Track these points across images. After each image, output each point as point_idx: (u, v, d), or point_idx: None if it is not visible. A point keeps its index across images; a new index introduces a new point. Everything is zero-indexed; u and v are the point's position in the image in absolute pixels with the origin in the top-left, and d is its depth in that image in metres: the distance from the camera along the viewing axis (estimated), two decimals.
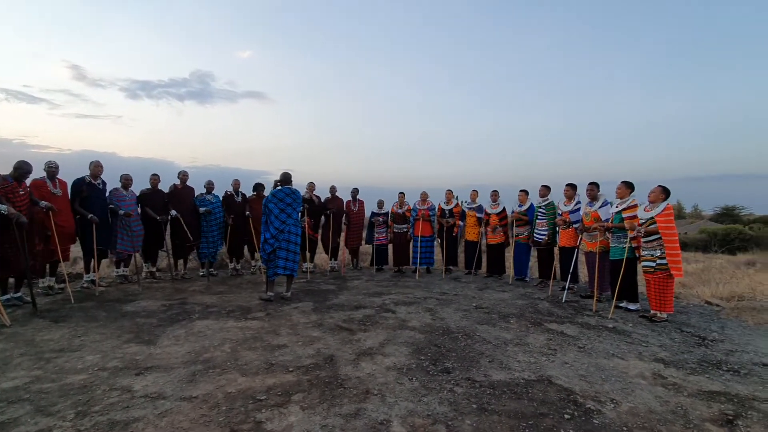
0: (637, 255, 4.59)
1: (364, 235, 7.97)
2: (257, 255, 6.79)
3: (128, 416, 2.25)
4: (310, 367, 2.93)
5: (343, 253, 7.83)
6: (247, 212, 6.62)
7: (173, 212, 6.20)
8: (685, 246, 19.75)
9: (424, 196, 7.48)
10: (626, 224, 4.61)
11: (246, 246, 7.07)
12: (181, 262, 6.72)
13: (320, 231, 7.53)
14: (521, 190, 6.69)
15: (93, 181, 5.51)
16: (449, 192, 7.47)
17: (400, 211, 7.48)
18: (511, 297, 5.44)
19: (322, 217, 7.43)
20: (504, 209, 6.91)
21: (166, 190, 6.47)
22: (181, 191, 6.55)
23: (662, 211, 4.29)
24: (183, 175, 6.64)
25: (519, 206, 6.67)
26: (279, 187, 4.95)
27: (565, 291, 5.43)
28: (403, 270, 7.60)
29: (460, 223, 7.34)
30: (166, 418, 2.23)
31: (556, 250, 6.01)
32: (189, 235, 6.24)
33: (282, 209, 4.87)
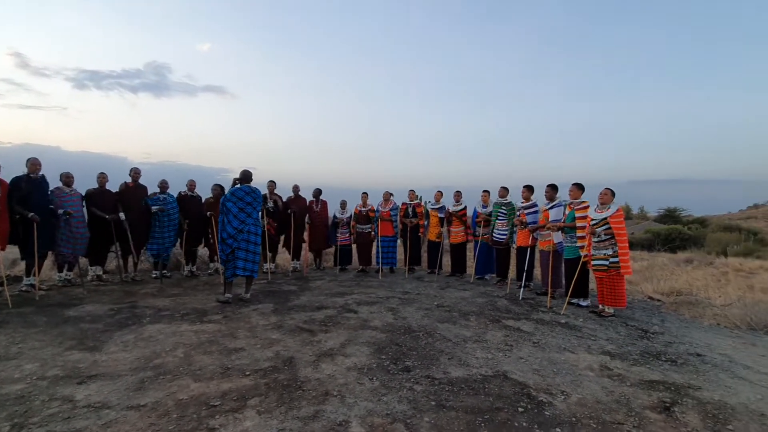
0: (582, 254, 4.82)
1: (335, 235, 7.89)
2: (216, 257, 6.55)
3: (69, 428, 2.11)
4: (268, 370, 2.86)
5: (306, 253, 7.72)
6: (209, 212, 6.38)
7: (122, 215, 5.86)
8: (632, 245, 21.00)
9: (386, 197, 7.51)
10: (587, 228, 4.82)
11: (207, 248, 6.81)
12: (131, 263, 6.36)
13: (284, 231, 7.39)
14: (484, 191, 6.87)
15: (33, 176, 5.10)
16: (412, 192, 7.54)
17: (363, 211, 7.47)
18: (472, 295, 5.58)
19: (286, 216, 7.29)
20: (465, 207, 7.06)
21: (116, 189, 6.11)
22: (133, 190, 6.20)
23: (615, 212, 4.55)
24: (135, 173, 6.29)
25: (483, 207, 6.84)
26: (238, 186, 4.81)
27: (522, 289, 5.63)
28: (366, 270, 7.60)
29: (425, 222, 7.44)
30: (110, 429, 2.10)
31: (513, 249, 6.22)
32: (130, 239, 5.92)
33: (241, 208, 4.72)
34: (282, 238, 7.40)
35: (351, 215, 7.64)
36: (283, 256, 8.44)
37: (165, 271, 6.55)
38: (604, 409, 2.43)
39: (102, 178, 5.96)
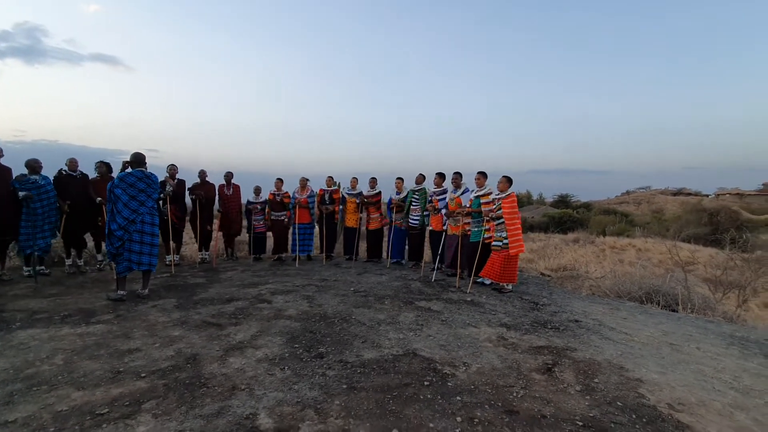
0: (488, 236, 5.27)
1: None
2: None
3: None
4: (167, 369, 2.67)
5: (215, 242, 7.27)
6: (99, 199, 5.64)
7: None
8: (531, 228, 23.45)
9: (303, 183, 7.36)
10: (483, 212, 5.24)
11: (94, 236, 6.04)
12: None
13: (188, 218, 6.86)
14: (397, 178, 7.07)
15: None
16: (330, 178, 7.49)
17: (277, 198, 7.23)
18: (388, 279, 5.76)
19: (190, 203, 6.76)
20: (379, 193, 7.22)
21: None
22: None
23: (506, 197, 5.00)
24: None
25: (396, 194, 7.04)
26: (129, 170, 4.33)
27: (434, 271, 5.96)
28: (282, 258, 7.43)
29: (339, 208, 7.45)
30: None
31: (426, 233, 6.54)
32: None
33: (133, 196, 4.26)
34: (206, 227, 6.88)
35: (265, 201, 7.37)
36: (189, 246, 7.87)
37: (42, 268, 5.67)
38: (498, 375, 2.71)
39: None
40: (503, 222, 4.97)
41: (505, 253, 4.97)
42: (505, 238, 4.97)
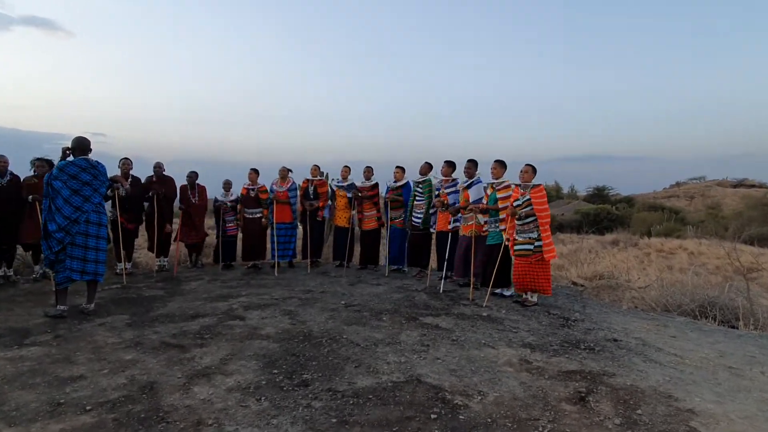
0: (507, 238, 5.28)
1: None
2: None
3: None
4: (118, 401, 2.68)
5: (177, 247, 7.28)
6: (31, 196, 5.62)
7: None
8: (561, 227, 23.56)
9: (283, 173, 7.36)
10: (508, 209, 5.22)
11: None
12: None
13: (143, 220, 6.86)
14: (397, 167, 7.07)
15: None
16: (315, 167, 7.49)
17: (252, 193, 7.23)
18: (387, 291, 5.77)
19: (145, 203, 6.76)
20: (377, 186, 7.22)
21: None
22: None
23: (534, 190, 5.00)
24: None
25: (394, 182, 7.02)
26: (71, 159, 4.33)
27: (442, 280, 5.98)
28: (258, 265, 7.44)
29: (326, 205, 7.45)
30: None
31: (433, 234, 6.55)
32: None
33: (75, 190, 4.26)
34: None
35: (237, 198, 7.37)
36: (145, 252, 7.88)
37: None
38: (520, 405, 2.72)
39: None
40: (533, 220, 4.97)
41: (537, 257, 4.98)
42: (537, 240, 4.97)
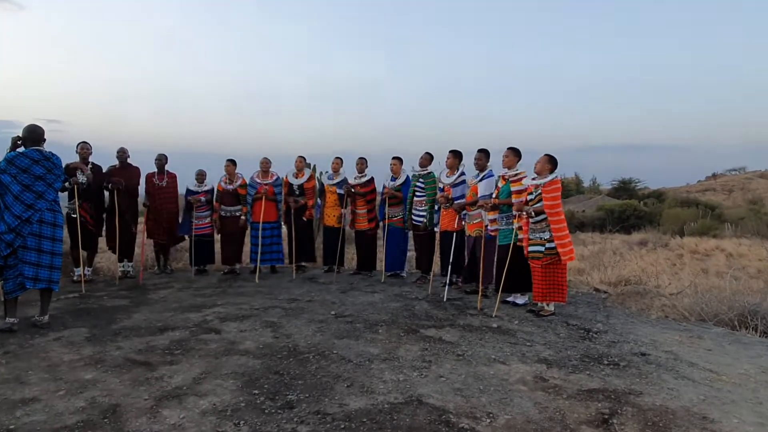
0: (520, 238, 5.29)
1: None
2: None
3: None
4: (76, 427, 2.68)
5: (143, 251, 7.27)
6: None
7: None
8: (582, 226, 23.63)
9: (265, 166, 7.35)
10: (514, 204, 5.24)
11: None
12: None
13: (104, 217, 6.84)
14: (394, 158, 7.06)
15: None
16: (300, 159, 7.47)
17: (230, 187, 7.22)
18: (383, 299, 5.79)
19: (107, 196, 6.73)
20: (372, 180, 7.23)
21: None
22: None
23: (548, 182, 5.00)
24: None
25: (392, 179, 7.03)
26: (21, 150, 4.32)
27: (447, 287, 5.99)
28: (236, 270, 7.45)
29: (315, 203, 7.45)
30: None
31: (437, 235, 6.56)
32: None
33: (27, 185, 4.25)
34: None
35: (213, 190, 7.36)
36: (107, 255, 7.85)
37: None
38: (535, 429, 2.74)
39: None
40: (545, 218, 4.99)
41: (549, 260, 5.00)
42: (548, 241, 4.99)
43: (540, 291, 5.11)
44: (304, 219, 7.43)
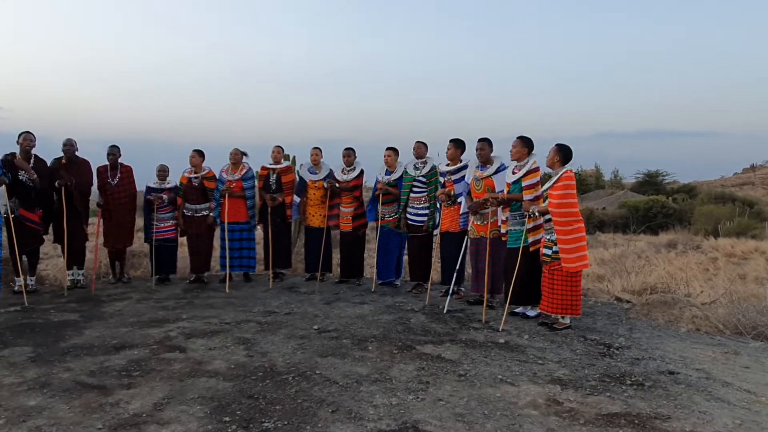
0: (531, 240, 5.32)
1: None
2: None
3: None
4: None
5: (95, 256, 7.23)
6: None
7: None
8: (602, 226, 23.74)
9: (236, 157, 7.32)
10: (524, 203, 5.25)
11: None
12: None
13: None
14: (389, 149, 7.05)
15: None
16: (278, 149, 7.45)
17: (195, 181, 7.19)
18: (374, 311, 5.80)
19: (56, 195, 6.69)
20: (361, 174, 7.25)
21: None
22: None
23: (557, 180, 5.02)
24: None
25: (386, 173, 7.02)
26: None
27: (448, 297, 6.01)
28: (204, 279, 7.44)
29: (293, 200, 7.44)
30: None
31: (437, 237, 6.57)
32: None
33: None
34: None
35: (176, 187, 7.34)
36: (54, 262, 7.79)
37: None
38: None
39: None
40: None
41: (557, 267, 5.03)
42: (555, 243, 5.02)
43: (548, 301, 5.12)
44: (281, 219, 7.46)
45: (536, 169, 5.46)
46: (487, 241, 5.71)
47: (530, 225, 5.29)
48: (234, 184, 7.20)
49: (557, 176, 5.04)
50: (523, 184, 5.45)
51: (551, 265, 5.07)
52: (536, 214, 5.11)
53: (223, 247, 7.29)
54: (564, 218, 4.95)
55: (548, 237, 5.12)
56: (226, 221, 7.18)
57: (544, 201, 5.10)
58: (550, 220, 5.06)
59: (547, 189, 5.05)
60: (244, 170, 7.34)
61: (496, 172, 5.87)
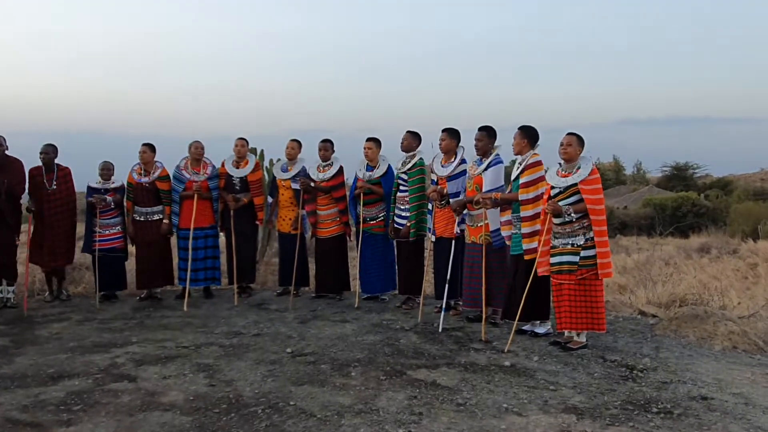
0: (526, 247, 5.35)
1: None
2: None
3: None
4: None
5: (27, 270, 7.20)
6: None
7: None
8: (623, 227, 23.88)
9: (197, 153, 7.27)
10: (545, 203, 5.23)
11: None
12: None
13: None
14: (368, 140, 7.02)
15: None
16: (241, 142, 7.40)
17: (145, 180, 7.16)
18: (357, 330, 5.80)
19: None
20: (341, 169, 7.25)
21: None
22: None
23: (588, 175, 5.04)
24: None
25: (367, 168, 7.01)
26: None
27: (442, 312, 6.02)
28: (157, 295, 7.42)
29: (264, 201, 7.43)
30: None
31: (428, 243, 6.56)
32: None
33: None
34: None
35: (123, 189, 7.31)
36: None
37: None
38: None
39: None
40: (578, 218, 5.04)
41: (586, 274, 5.05)
42: (585, 247, 5.04)
43: (568, 317, 5.14)
44: (250, 224, 7.44)
45: (536, 164, 5.49)
46: (482, 248, 5.72)
47: (527, 229, 5.32)
48: (202, 184, 7.14)
49: (586, 170, 5.06)
50: (520, 181, 5.47)
51: (580, 272, 5.06)
52: (572, 216, 5.05)
53: (184, 258, 7.24)
54: (599, 216, 5.00)
55: (573, 242, 5.10)
56: (191, 227, 7.14)
57: (551, 198, 5.11)
58: (573, 221, 5.05)
59: (576, 183, 5.01)
60: (208, 167, 7.29)
61: (486, 168, 5.86)
